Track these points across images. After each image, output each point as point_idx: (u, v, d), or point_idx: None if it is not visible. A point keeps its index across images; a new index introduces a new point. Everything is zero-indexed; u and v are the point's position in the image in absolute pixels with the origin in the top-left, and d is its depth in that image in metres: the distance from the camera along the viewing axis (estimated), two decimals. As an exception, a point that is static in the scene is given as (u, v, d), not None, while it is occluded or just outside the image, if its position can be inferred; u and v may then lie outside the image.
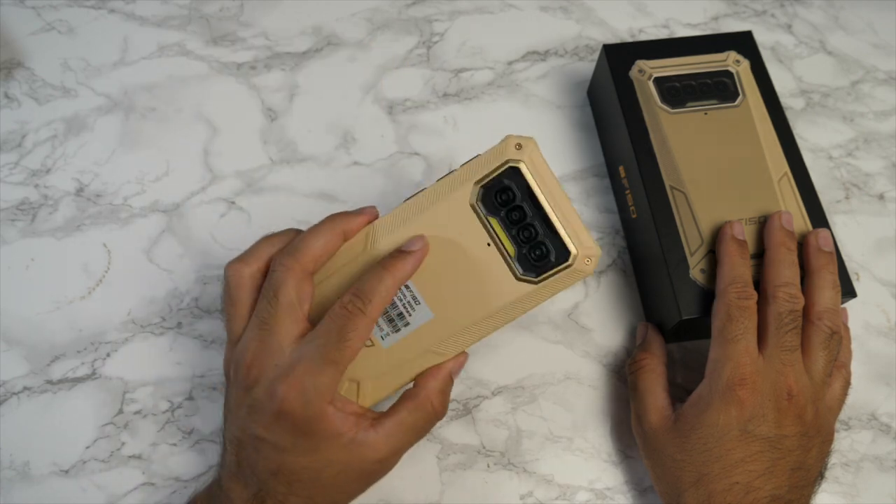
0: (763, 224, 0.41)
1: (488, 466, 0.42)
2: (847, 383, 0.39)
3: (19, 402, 0.42)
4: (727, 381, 0.35)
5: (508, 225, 0.34)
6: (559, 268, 0.34)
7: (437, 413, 0.35)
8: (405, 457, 0.41)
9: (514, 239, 0.34)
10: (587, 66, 0.56)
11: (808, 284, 0.38)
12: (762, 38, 0.58)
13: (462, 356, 0.36)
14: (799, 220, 0.42)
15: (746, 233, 0.40)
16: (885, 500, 0.42)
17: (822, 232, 0.40)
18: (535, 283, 0.34)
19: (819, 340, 0.37)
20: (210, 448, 0.42)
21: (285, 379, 0.31)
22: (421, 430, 0.35)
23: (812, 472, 0.36)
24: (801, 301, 0.37)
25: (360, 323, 0.32)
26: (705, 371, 0.37)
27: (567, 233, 0.34)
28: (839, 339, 0.37)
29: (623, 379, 0.44)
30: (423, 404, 0.34)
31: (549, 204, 0.33)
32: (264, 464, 0.32)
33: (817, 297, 0.38)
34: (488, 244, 0.34)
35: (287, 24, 0.57)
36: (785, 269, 0.38)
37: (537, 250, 0.34)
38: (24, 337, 0.44)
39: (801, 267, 0.39)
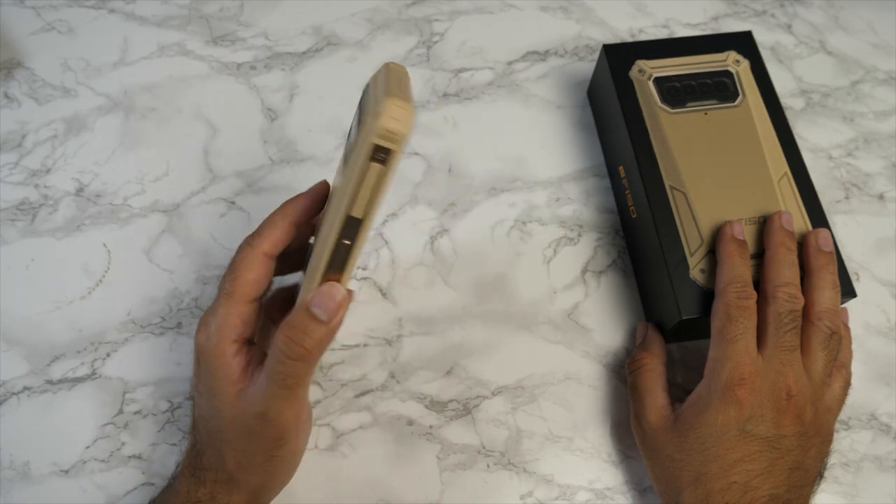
0: (763, 224, 0.41)
1: (488, 466, 0.42)
2: (847, 383, 0.39)
3: (19, 402, 0.42)
4: (726, 380, 0.35)
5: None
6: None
7: (286, 352, 0.30)
8: (405, 456, 0.41)
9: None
10: (587, 66, 0.56)
11: (807, 285, 0.38)
12: (762, 38, 0.58)
13: (323, 287, 0.31)
14: (799, 220, 0.42)
15: (746, 233, 0.40)
16: (885, 500, 0.42)
17: (822, 232, 0.40)
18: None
19: (819, 340, 0.37)
20: (210, 448, 0.42)
21: (202, 317, 0.34)
22: (279, 374, 0.30)
23: (811, 472, 0.36)
24: (801, 301, 0.37)
25: (246, 252, 0.33)
26: (704, 371, 0.37)
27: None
28: (839, 339, 0.37)
29: (623, 379, 0.44)
30: (273, 346, 0.31)
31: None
32: (195, 411, 0.34)
33: (817, 297, 0.37)
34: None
35: (287, 24, 0.57)
36: (785, 269, 0.37)
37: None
38: (24, 337, 0.44)
39: (801, 267, 0.39)
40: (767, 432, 0.34)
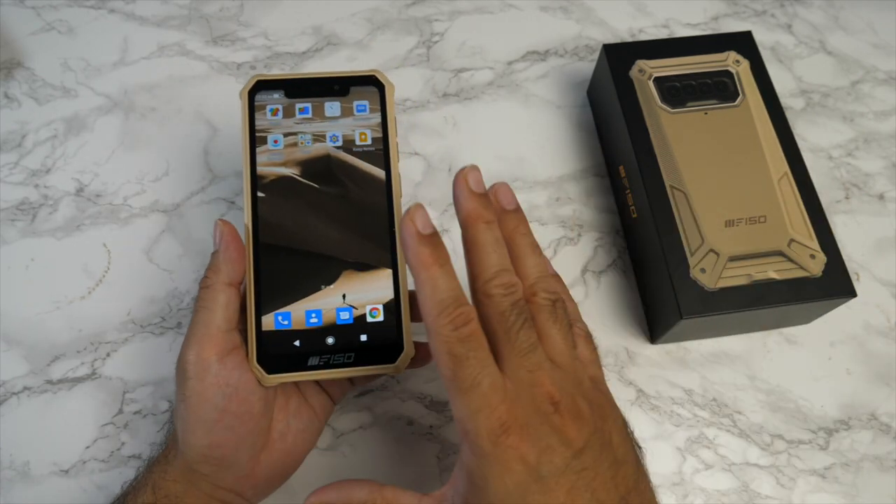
0: (763, 224, 0.41)
1: (488, 466, 0.42)
2: (588, 337, 0.33)
3: (19, 402, 0.42)
4: (489, 436, 0.26)
5: None
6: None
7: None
8: (405, 456, 0.41)
9: None
10: (587, 66, 0.56)
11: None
12: (762, 38, 0.58)
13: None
14: (799, 219, 0.42)
15: (746, 233, 0.40)
16: (885, 500, 0.42)
17: (501, 187, 0.31)
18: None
19: (546, 318, 0.29)
20: (210, 448, 0.42)
21: None
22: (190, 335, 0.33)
23: (629, 459, 0.29)
24: (519, 284, 0.29)
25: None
26: (459, 436, 0.28)
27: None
28: (562, 303, 0.30)
29: (623, 379, 0.44)
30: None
31: None
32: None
33: (522, 270, 0.30)
34: None
35: (287, 24, 0.57)
36: (490, 254, 0.28)
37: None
38: (24, 337, 0.44)
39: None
40: (564, 460, 0.26)
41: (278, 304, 0.34)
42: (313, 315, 0.34)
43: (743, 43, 0.49)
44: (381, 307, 0.34)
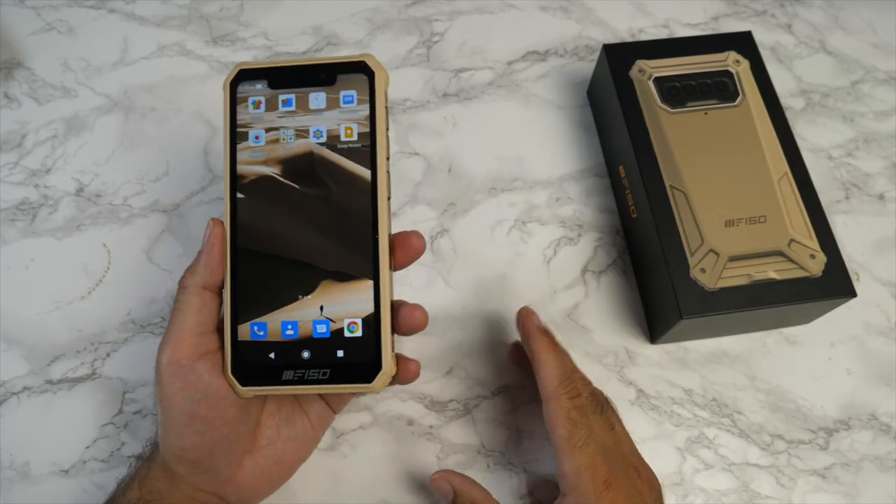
0: (763, 224, 0.41)
1: (488, 466, 0.42)
2: (607, 404, 0.37)
3: (19, 402, 0.42)
4: (595, 492, 0.32)
5: None
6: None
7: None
8: (405, 456, 0.42)
9: None
10: (587, 66, 0.56)
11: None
12: (762, 38, 0.58)
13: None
14: (799, 219, 0.42)
15: (746, 233, 0.40)
16: (885, 500, 0.42)
17: (526, 314, 0.39)
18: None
19: (581, 413, 0.35)
20: (210, 448, 0.42)
21: None
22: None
23: None
24: (588, 384, 0.36)
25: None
26: (562, 488, 0.34)
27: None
28: (588, 392, 0.36)
29: (623, 380, 0.44)
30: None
31: None
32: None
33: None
34: None
35: (287, 24, 0.57)
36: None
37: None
38: (24, 337, 0.44)
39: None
40: None
41: (255, 313, 0.32)
42: (289, 327, 0.32)
43: (743, 43, 0.49)
44: (359, 321, 0.32)
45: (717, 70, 0.47)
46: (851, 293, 0.41)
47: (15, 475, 0.40)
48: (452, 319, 0.46)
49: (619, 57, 0.48)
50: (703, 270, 0.41)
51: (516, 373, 0.44)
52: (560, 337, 0.45)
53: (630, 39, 0.57)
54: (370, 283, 0.32)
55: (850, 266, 0.49)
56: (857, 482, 0.42)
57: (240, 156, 0.33)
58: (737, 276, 0.41)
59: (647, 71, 0.47)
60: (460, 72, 0.55)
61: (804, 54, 0.58)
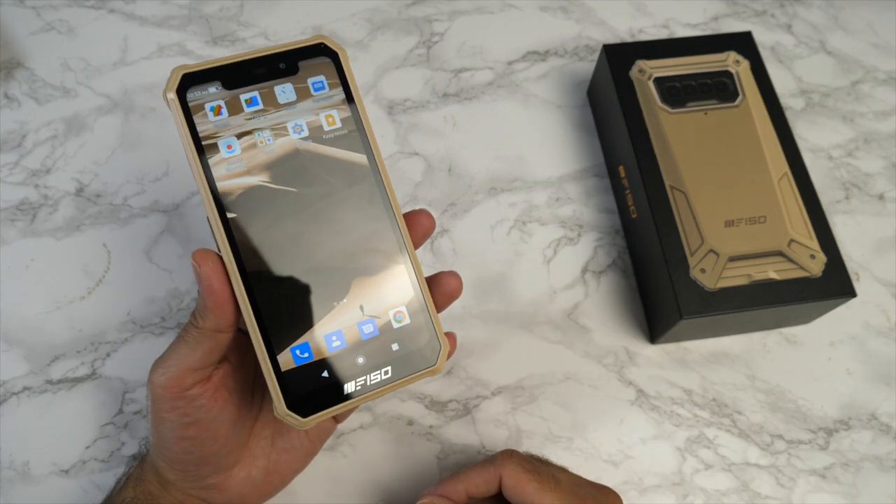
0: (763, 224, 0.41)
1: (488, 466, 0.42)
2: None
3: (19, 402, 0.42)
4: None
5: None
6: None
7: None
8: (405, 456, 0.42)
9: None
10: (587, 66, 0.56)
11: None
12: (762, 38, 0.58)
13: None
14: (799, 220, 0.42)
15: (746, 233, 0.40)
16: (885, 500, 0.42)
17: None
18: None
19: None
20: (210, 448, 0.42)
21: None
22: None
23: None
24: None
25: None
26: None
27: None
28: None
29: (623, 379, 0.44)
30: None
31: None
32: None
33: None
34: None
35: (287, 24, 0.57)
36: None
37: None
38: (24, 337, 0.44)
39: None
40: None
41: (291, 337, 0.29)
42: (334, 338, 0.29)
43: (743, 43, 0.49)
44: (404, 309, 0.30)
45: (717, 70, 0.47)
46: (851, 293, 0.41)
47: (15, 475, 0.40)
48: (452, 319, 0.46)
49: (619, 57, 0.48)
50: (703, 270, 0.41)
51: (516, 373, 0.44)
52: (560, 337, 0.45)
53: (630, 39, 0.57)
54: (402, 267, 0.31)
55: (850, 266, 0.49)
56: (857, 482, 0.42)
57: (215, 171, 0.29)
58: (737, 276, 0.41)
59: (647, 71, 0.47)
60: (460, 72, 0.55)
61: (804, 54, 0.58)
